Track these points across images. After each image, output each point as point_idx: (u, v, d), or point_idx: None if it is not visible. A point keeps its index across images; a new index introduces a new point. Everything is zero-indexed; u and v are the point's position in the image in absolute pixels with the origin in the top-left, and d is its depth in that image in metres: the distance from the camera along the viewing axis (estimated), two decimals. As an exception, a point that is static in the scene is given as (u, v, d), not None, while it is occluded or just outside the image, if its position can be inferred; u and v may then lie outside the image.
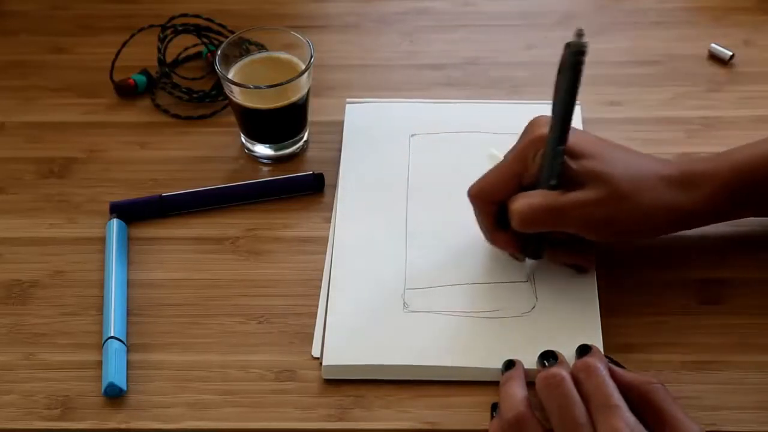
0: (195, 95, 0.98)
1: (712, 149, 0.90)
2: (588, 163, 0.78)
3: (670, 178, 0.79)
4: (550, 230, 0.79)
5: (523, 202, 0.77)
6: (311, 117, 0.94)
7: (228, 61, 0.91)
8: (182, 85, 0.98)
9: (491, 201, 0.80)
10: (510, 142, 0.81)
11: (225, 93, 0.91)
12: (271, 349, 0.80)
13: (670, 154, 0.90)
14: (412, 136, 0.92)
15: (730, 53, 0.99)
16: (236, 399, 0.77)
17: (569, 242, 0.81)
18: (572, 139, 0.77)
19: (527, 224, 0.78)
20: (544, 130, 0.77)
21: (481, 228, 0.82)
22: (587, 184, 0.77)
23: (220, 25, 1.00)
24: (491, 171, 0.80)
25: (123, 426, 0.76)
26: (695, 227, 0.82)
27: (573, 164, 0.77)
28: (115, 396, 0.77)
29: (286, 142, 0.92)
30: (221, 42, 0.93)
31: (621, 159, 0.79)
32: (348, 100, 0.96)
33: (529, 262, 0.81)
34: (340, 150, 0.92)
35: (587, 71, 0.95)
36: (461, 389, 0.77)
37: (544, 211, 0.77)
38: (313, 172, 0.90)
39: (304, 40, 0.90)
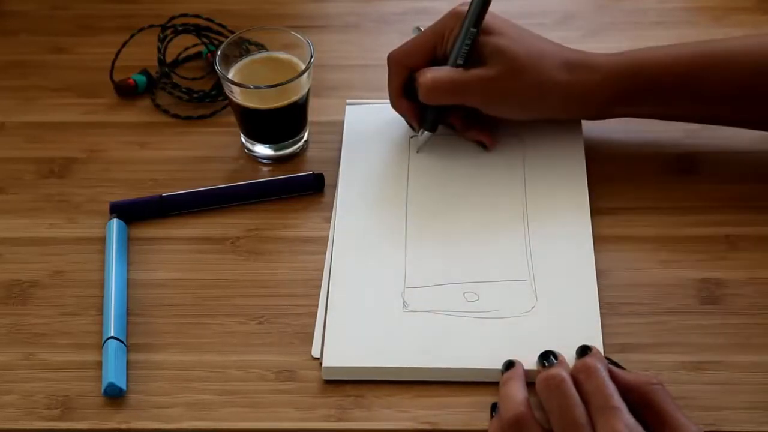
0: (195, 95, 0.98)
1: (713, 149, 0.91)
2: (493, 38, 0.84)
3: (569, 61, 0.85)
4: (452, 104, 0.86)
5: (429, 75, 0.85)
6: (311, 117, 0.94)
7: (228, 61, 0.91)
8: (182, 85, 0.98)
9: (404, 65, 0.87)
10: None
11: (225, 93, 0.91)
12: (271, 349, 0.80)
13: (671, 154, 0.90)
14: (412, 136, 0.92)
15: (730, 53, 0.99)
16: (236, 399, 0.77)
17: (474, 120, 0.89)
18: (486, 18, 0.84)
19: (431, 95, 0.86)
20: (465, 8, 0.84)
21: (389, 92, 0.89)
22: (490, 59, 0.84)
23: (220, 25, 1.00)
24: (411, 40, 0.88)
25: (123, 426, 0.76)
26: (588, 115, 0.88)
27: (480, 40, 0.84)
28: (115, 396, 0.77)
29: (286, 142, 0.92)
30: (221, 42, 0.93)
31: (527, 39, 0.86)
32: (348, 101, 0.96)
33: (423, 134, 0.89)
34: (340, 150, 0.92)
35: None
36: (461, 389, 0.77)
37: (447, 84, 0.85)
38: (313, 172, 0.90)
39: (304, 40, 0.90)
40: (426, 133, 0.89)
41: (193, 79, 0.99)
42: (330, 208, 0.89)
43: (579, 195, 0.87)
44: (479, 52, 0.85)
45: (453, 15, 0.86)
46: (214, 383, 0.78)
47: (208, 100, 0.98)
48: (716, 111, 0.87)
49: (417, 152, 0.90)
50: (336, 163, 0.92)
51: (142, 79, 0.98)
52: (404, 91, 0.88)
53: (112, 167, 0.93)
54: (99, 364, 0.79)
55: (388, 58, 0.88)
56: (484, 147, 0.90)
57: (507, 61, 0.84)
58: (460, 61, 0.85)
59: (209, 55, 1.00)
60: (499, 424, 0.72)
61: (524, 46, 0.85)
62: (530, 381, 0.74)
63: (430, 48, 0.87)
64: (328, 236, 0.87)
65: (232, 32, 0.96)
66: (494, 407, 0.74)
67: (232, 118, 0.93)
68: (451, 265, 0.83)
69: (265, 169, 0.93)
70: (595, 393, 0.70)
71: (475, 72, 0.85)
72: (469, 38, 0.85)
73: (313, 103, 0.93)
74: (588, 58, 0.86)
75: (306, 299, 0.82)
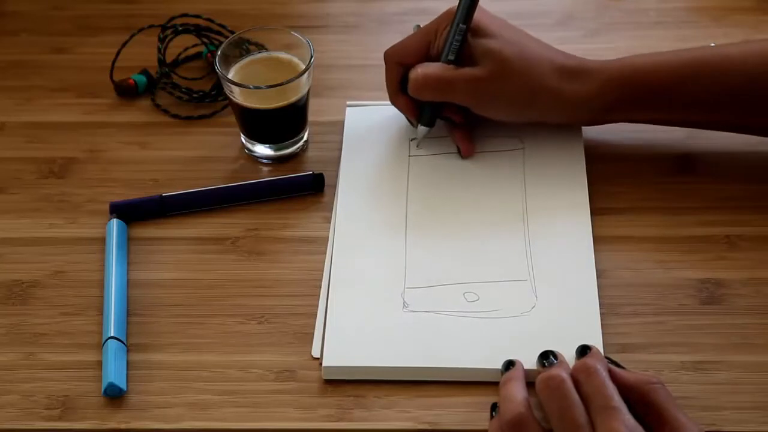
0: (195, 95, 0.98)
1: (712, 149, 0.91)
2: (486, 41, 0.85)
3: (562, 67, 0.85)
4: (441, 100, 0.87)
5: (420, 70, 0.86)
6: (311, 117, 0.94)
7: (228, 61, 0.91)
8: (182, 85, 0.98)
9: (399, 63, 0.88)
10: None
11: (225, 93, 0.91)
12: (271, 349, 0.80)
13: (671, 154, 0.90)
14: (412, 139, 0.92)
15: (730, 53, 0.99)
16: (236, 399, 0.77)
17: (469, 121, 0.89)
18: (480, 18, 0.85)
19: (420, 90, 0.87)
20: None
21: (387, 88, 0.90)
22: (481, 60, 0.84)
23: (220, 25, 1.00)
24: (406, 38, 0.89)
25: (123, 426, 0.76)
26: (581, 121, 0.89)
27: (472, 41, 0.84)
28: (115, 396, 0.77)
29: (286, 142, 0.92)
30: (221, 42, 0.93)
31: (519, 42, 0.86)
32: (348, 102, 0.96)
33: (421, 128, 0.89)
34: (340, 150, 0.92)
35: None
36: (461, 389, 0.77)
37: (435, 80, 0.86)
38: (313, 172, 0.90)
39: (304, 40, 0.90)
40: (423, 128, 0.89)
41: (193, 79, 0.99)
42: (330, 208, 0.89)
43: (579, 195, 0.87)
44: (471, 53, 0.85)
45: (446, 14, 0.87)
46: (214, 383, 0.78)
47: (208, 100, 0.98)
48: (712, 117, 0.87)
49: (417, 147, 0.91)
50: (336, 163, 0.92)
51: (142, 79, 0.98)
52: (401, 87, 0.89)
53: (112, 167, 0.93)
54: (99, 364, 0.79)
55: (384, 55, 0.89)
56: (460, 153, 0.90)
57: (497, 62, 0.84)
58: (451, 57, 0.86)
59: (209, 55, 1.00)
60: (499, 425, 0.72)
61: (517, 49, 0.85)
62: (530, 381, 0.74)
63: (423, 45, 0.88)
64: (328, 236, 0.87)
65: (232, 32, 0.96)
66: (494, 407, 0.74)
67: (232, 118, 0.93)
68: (451, 265, 0.83)
69: (265, 169, 0.93)
70: (595, 393, 0.70)
71: (465, 71, 0.85)
72: (459, 34, 0.85)
73: (313, 103, 0.93)
74: (583, 65, 0.86)
75: (306, 299, 0.82)
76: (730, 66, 0.84)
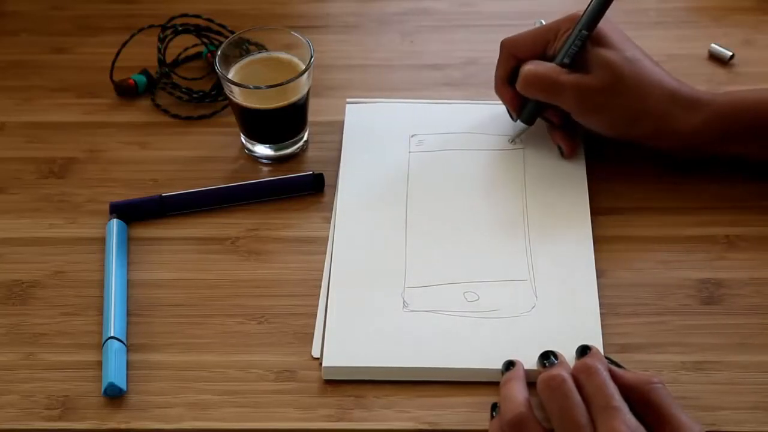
0: (195, 95, 0.98)
1: (712, 149, 0.90)
2: (603, 51, 0.84)
3: (674, 93, 0.84)
4: (546, 101, 0.86)
5: (532, 67, 0.86)
6: (311, 117, 0.94)
7: (228, 61, 0.91)
8: (182, 85, 0.98)
9: (513, 54, 0.88)
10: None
11: (225, 93, 0.91)
12: (271, 349, 0.80)
13: (669, 155, 0.90)
14: (412, 136, 0.92)
15: (730, 53, 0.99)
16: (236, 399, 0.77)
17: (564, 125, 0.88)
18: (603, 28, 0.84)
19: (528, 87, 0.86)
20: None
21: (495, 75, 0.89)
22: (595, 69, 0.83)
23: (220, 25, 1.00)
24: (526, 31, 0.88)
25: (123, 426, 0.76)
26: (682, 151, 0.86)
27: (590, 48, 0.83)
28: (115, 396, 0.77)
29: (286, 142, 0.92)
30: (221, 42, 0.93)
31: (636, 59, 0.84)
32: (348, 100, 0.96)
33: (520, 125, 0.89)
34: (340, 150, 0.92)
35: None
36: (461, 389, 0.77)
37: (545, 80, 0.85)
38: (313, 172, 0.90)
39: (304, 40, 0.90)
40: (522, 124, 0.89)
41: (193, 79, 0.99)
42: (330, 208, 0.89)
43: (579, 195, 0.87)
44: (587, 60, 0.84)
45: (570, 17, 0.86)
46: (214, 383, 0.78)
47: (208, 100, 0.98)
48: None
49: (510, 142, 0.90)
50: (336, 163, 0.92)
51: (142, 79, 0.98)
52: (510, 79, 0.88)
53: (112, 167, 0.93)
54: (99, 364, 0.79)
55: (501, 43, 0.89)
56: (562, 153, 0.89)
57: (611, 75, 0.83)
58: (566, 61, 0.85)
59: (209, 55, 1.00)
60: (500, 425, 0.72)
61: (633, 66, 0.84)
62: (530, 381, 0.74)
63: (541, 42, 0.87)
64: (328, 236, 0.87)
65: (232, 32, 0.96)
66: (494, 407, 0.74)
67: (232, 118, 0.93)
68: (451, 265, 0.83)
69: (265, 169, 0.93)
70: (595, 393, 0.70)
71: (577, 76, 0.84)
72: (579, 39, 0.84)
73: (313, 103, 0.93)
74: (694, 95, 0.84)
75: (306, 299, 0.82)
76: None
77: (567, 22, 0.86)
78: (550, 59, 0.86)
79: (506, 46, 0.88)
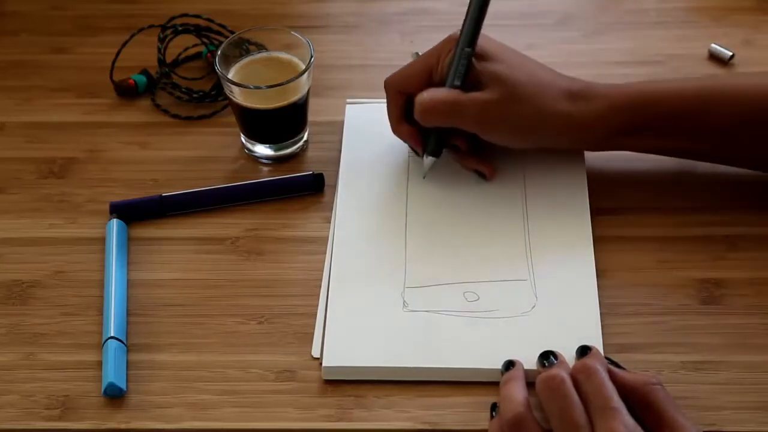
0: (195, 95, 0.98)
1: (712, 149, 0.90)
2: (492, 65, 0.83)
3: (569, 90, 0.84)
4: (449, 125, 0.84)
5: (427, 95, 0.84)
6: (311, 117, 0.94)
7: (228, 61, 0.91)
8: (182, 85, 0.98)
9: (401, 91, 0.86)
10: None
11: (225, 93, 0.91)
12: (271, 349, 0.80)
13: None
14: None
15: (730, 53, 0.99)
16: (236, 399, 0.77)
17: (475, 149, 0.87)
18: (483, 43, 0.84)
19: (427, 115, 0.84)
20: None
21: (389, 117, 0.88)
22: (488, 85, 0.83)
23: (220, 25, 1.00)
24: (407, 65, 0.87)
25: (123, 426, 0.76)
26: (589, 144, 0.87)
27: (478, 65, 0.83)
28: (115, 396, 0.77)
29: (286, 142, 0.92)
30: (221, 42, 0.93)
31: (525, 66, 0.85)
32: (348, 100, 0.96)
33: (427, 159, 0.87)
34: (340, 150, 0.92)
35: (587, 71, 0.96)
36: (461, 389, 0.77)
37: (444, 104, 0.83)
38: (313, 172, 0.90)
39: (304, 40, 0.90)
40: (430, 158, 0.87)
41: (193, 79, 0.99)
42: (330, 208, 0.89)
43: (579, 195, 0.87)
44: (477, 78, 0.84)
45: (448, 40, 0.85)
46: (214, 383, 0.78)
47: (208, 100, 0.98)
48: (719, 148, 0.85)
49: (423, 178, 0.88)
50: (336, 163, 0.92)
51: (142, 79, 0.98)
52: (405, 116, 0.87)
53: (112, 167, 0.93)
54: (99, 364, 0.79)
55: (385, 83, 0.87)
56: (483, 177, 0.88)
57: (507, 86, 0.83)
58: (457, 83, 0.83)
59: (209, 55, 1.00)
60: (499, 425, 0.72)
61: (524, 73, 0.84)
62: (530, 381, 0.74)
63: (425, 72, 0.86)
64: (328, 236, 0.87)
65: (232, 32, 0.96)
66: (494, 407, 0.74)
67: (232, 118, 0.93)
68: (451, 265, 0.83)
69: (265, 169, 0.93)
70: (594, 394, 0.70)
71: (474, 95, 0.83)
72: (464, 58, 0.83)
73: (313, 103, 0.93)
74: (590, 89, 0.84)
75: (306, 299, 0.82)
76: (744, 96, 0.83)
77: (446, 45, 0.85)
78: (437, 86, 0.85)
79: (391, 84, 0.87)
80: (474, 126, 0.84)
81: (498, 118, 0.83)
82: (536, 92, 0.83)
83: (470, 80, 0.84)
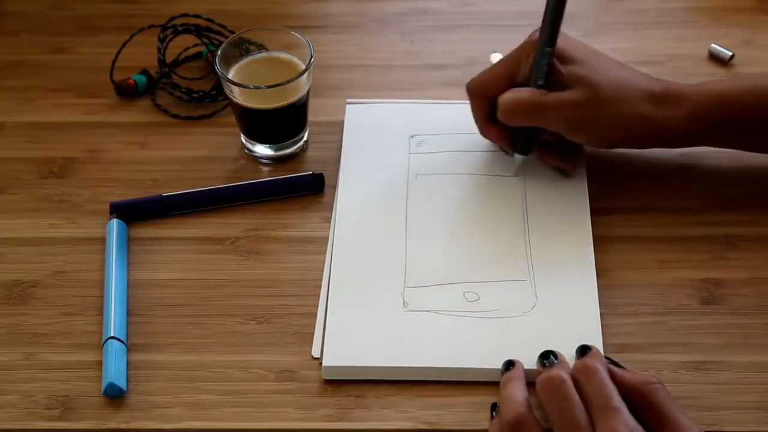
0: (195, 95, 0.98)
1: (712, 149, 0.90)
2: (575, 68, 0.83)
3: (652, 93, 0.84)
4: (533, 125, 0.85)
5: (509, 95, 0.84)
6: (311, 117, 0.94)
7: (228, 61, 0.91)
8: (182, 85, 0.98)
9: (484, 96, 0.87)
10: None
11: (225, 93, 0.91)
12: (271, 349, 0.80)
13: (671, 155, 0.90)
14: (412, 136, 0.92)
15: (730, 53, 0.99)
16: (236, 399, 0.77)
17: (559, 146, 0.87)
18: (564, 45, 0.84)
19: (510, 115, 0.85)
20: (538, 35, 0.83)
21: (475, 121, 0.88)
22: (572, 86, 0.83)
23: (220, 25, 1.00)
24: (488, 69, 0.87)
25: (123, 426, 0.76)
26: (672, 145, 0.87)
27: (561, 68, 0.83)
28: (115, 396, 0.77)
29: (286, 142, 0.92)
30: (221, 42, 0.93)
31: (608, 68, 0.85)
32: (348, 100, 0.96)
33: (517, 157, 0.87)
34: (340, 150, 0.92)
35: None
36: (461, 389, 0.77)
37: (527, 104, 0.84)
38: (313, 172, 0.90)
39: (304, 40, 0.90)
40: (520, 156, 0.87)
41: (193, 79, 0.99)
42: (330, 208, 0.89)
43: (579, 195, 0.87)
44: (561, 79, 0.83)
45: (528, 42, 0.85)
46: (214, 383, 0.78)
47: (208, 100, 0.98)
48: None
49: (514, 176, 0.89)
50: (336, 163, 0.92)
51: (142, 79, 0.98)
52: (491, 118, 0.87)
53: (112, 167, 0.93)
54: (99, 364, 0.79)
55: (467, 89, 0.87)
56: (566, 174, 0.88)
57: (590, 89, 0.83)
58: (540, 82, 0.83)
59: (209, 55, 1.00)
60: (500, 425, 0.72)
61: (605, 76, 0.83)
62: (530, 381, 0.74)
63: (508, 75, 0.86)
64: (328, 236, 0.87)
65: (232, 32, 0.96)
66: (494, 407, 0.74)
67: (232, 118, 0.93)
68: (451, 265, 0.83)
69: (265, 169, 0.93)
70: (595, 393, 0.70)
71: (557, 95, 0.83)
72: (545, 57, 0.83)
73: (313, 103, 0.93)
74: (673, 89, 0.84)
75: (306, 299, 0.82)
76: None
77: (526, 48, 0.85)
78: (523, 86, 0.85)
79: (474, 89, 0.87)
80: (557, 126, 0.84)
81: (581, 120, 0.84)
82: (618, 95, 0.83)
83: (554, 82, 0.84)
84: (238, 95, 0.89)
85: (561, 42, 0.84)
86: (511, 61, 0.86)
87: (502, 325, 0.80)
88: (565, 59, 0.84)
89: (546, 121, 0.84)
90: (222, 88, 0.93)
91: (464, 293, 0.82)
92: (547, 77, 0.84)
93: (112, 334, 0.79)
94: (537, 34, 0.84)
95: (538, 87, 0.84)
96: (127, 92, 0.98)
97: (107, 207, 0.89)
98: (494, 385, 0.76)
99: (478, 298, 0.81)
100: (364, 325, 0.80)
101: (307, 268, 0.85)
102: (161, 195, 0.89)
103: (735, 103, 0.84)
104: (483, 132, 0.89)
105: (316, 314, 0.81)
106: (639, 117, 0.83)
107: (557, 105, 0.83)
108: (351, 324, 0.80)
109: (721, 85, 0.86)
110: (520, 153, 0.87)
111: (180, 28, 0.99)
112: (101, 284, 0.84)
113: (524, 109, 0.84)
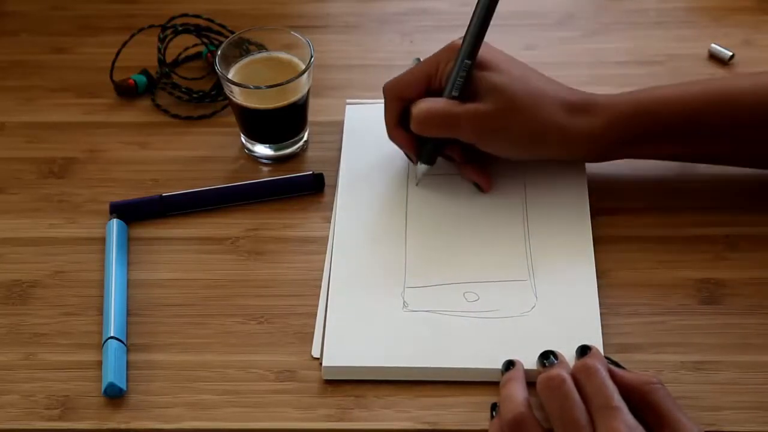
0: (195, 95, 0.98)
1: (712, 149, 0.90)
2: (490, 75, 0.82)
3: (569, 102, 0.83)
4: (445, 137, 0.84)
5: (423, 105, 0.83)
6: (311, 117, 0.94)
7: (228, 61, 0.91)
8: (182, 85, 0.98)
9: (399, 97, 0.85)
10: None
11: (225, 93, 0.91)
12: (271, 349, 0.80)
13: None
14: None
15: (730, 53, 0.99)
16: (236, 399, 0.77)
17: (474, 158, 0.86)
18: (484, 52, 0.83)
19: (423, 126, 0.84)
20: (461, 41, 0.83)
21: (385, 122, 0.87)
22: (486, 95, 0.82)
23: (220, 25, 1.00)
24: (406, 71, 0.86)
25: (123, 426, 0.76)
26: (588, 158, 0.86)
27: (476, 75, 0.82)
28: (115, 396, 0.77)
29: (286, 142, 0.92)
30: (221, 42, 0.93)
31: (525, 77, 0.83)
32: (348, 100, 0.96)
33: (421, 167, 0.86)
34: (340, 150, 0.92)
35: (587, 71, 0.96)
36: (461, 389, 0.77)
37: (440, 116, 0.83)
38: (313, 172, 0.90)
39: (304, 40, 0.90)
40: (423, 166, 0.87)
41: (193, 79, 0.99)
42: (330, 208, 0.89)
43: (579, 195, 0.87)
44: (476, 88, 0.83)
45: (449, 48, 0.84)
46: (214, 383, 0.78)
47: (208, 100, 0.98)
48: (721, 151, 0.85)
49: (416, 185, 0.88)
50: (336, 163, 0.92)
51: (142, 79, 0.98)
52: (401, 122, 0.86)
53: (112, 167, 0.93)
54: (99, 364, 0.79)
55: (383, 88, 0.86)
56: (480, 189, 0.87)
57: (504, 98, 0.82)
58: (455, 93, 0.82)
59: (209, 55, 1.00)
60: (500, 425, 0.72)
61: (523, 85, 0.82)
62: (530, 381, 0.74)
63: (424, 79, 0.85)
64: (328, 236, 0.87)
65: (232, 32, 0.96)
66: (494, 407, 0.74)
67: (232, 118, 0.93)
68: (451, 265, 0.83)
69: (265, 169, 0.93)
70: (595, 393, 0.70)
71: (471, 106, 0.82)
72: (463, 70, 0.82)
73: (313, 103, 0.93)
74: (589, 100, 0.83)
75: (306, 299, 0.82)
76: (741, 99, 0.82)
77: (446, 53, 0.84)
78: (436, 94, 0.84)
79: (389, 90, 0.86)
80: (470, 138, 0.84)
81: (495, 130, 0.83)
82: (534, 104, 0.82)
83: (469, 91, 0.83)
84: (238, 95, 0.89)
85: (482, 50, 0.83)
86: (430, 65, 0.85)
87: (502, 326, 0.80)
88: (482, 66, 0.83)
89: (458, 132, 0.83)
90: (222, 88, 0.93)
91: (464, 293, 0.82)
92: (463, 89, 0.82)
93: (112, 334, 0.79)
94: (460, 41, 0.83)
95: (452, 98, 0.83)
96: (127, 92, 0.98)
97: (107, 207, 0.89)
98: (494, 385, 0.76)
99: (478, 299, 0.81)
100: (364, 325, 0.80)
101: (307, 268, 0.85)
102: (161, 195, 0.89)
103: (656, 110, 0.82)
104: (391, 136, 0.87)
105: (316, 314, 0.81)
106: (552, 125, 0.82)
107: (470, 116, 0.82)
108: (351, 324, 0.80)
109: (642, 93, 0.84)
110: (425, 162, 0.86)
111: (180, 28, 0.99)
112: (101, 284, 0.84)
113: (437, 120, 0.83)
